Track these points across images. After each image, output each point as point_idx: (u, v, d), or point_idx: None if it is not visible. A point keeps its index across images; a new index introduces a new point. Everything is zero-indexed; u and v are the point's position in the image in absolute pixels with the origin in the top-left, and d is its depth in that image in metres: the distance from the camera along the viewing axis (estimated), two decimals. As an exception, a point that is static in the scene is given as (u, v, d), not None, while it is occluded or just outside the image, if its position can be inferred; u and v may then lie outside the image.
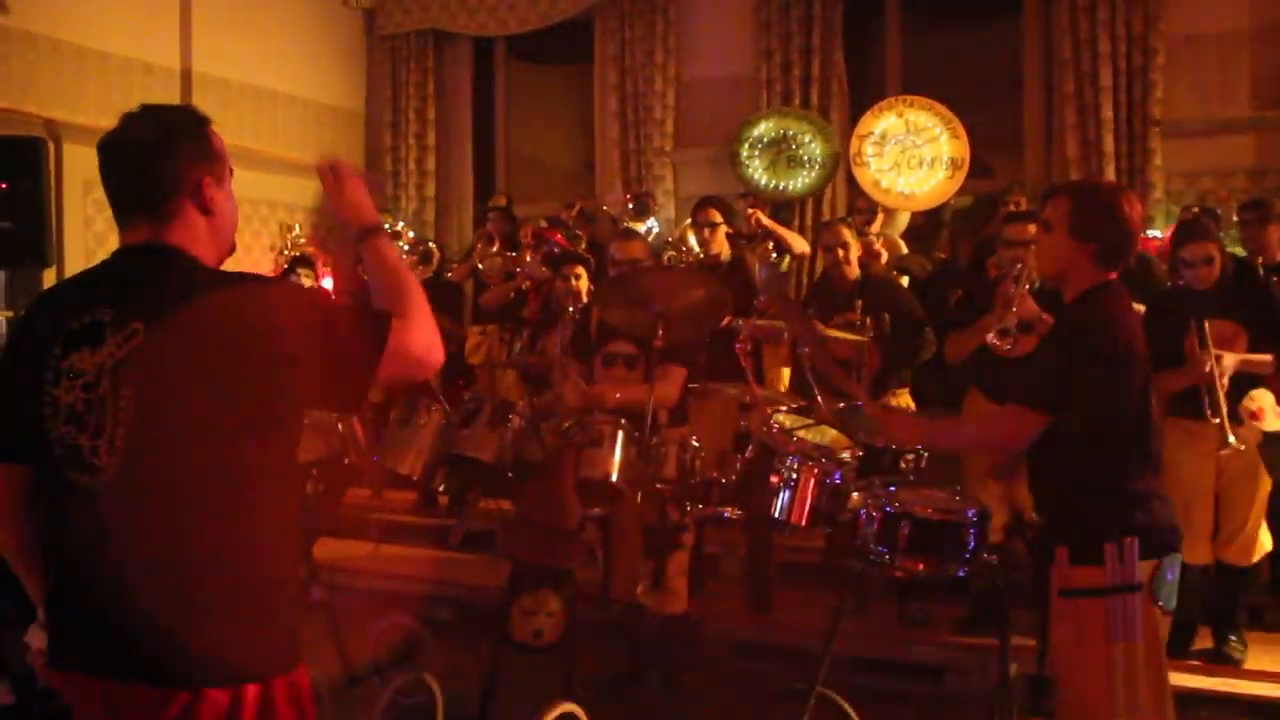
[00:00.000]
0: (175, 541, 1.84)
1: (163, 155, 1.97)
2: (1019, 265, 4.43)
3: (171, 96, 8.01)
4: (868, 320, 5.27)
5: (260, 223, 8.46)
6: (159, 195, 1.97)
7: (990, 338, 4.23)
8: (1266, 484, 4.65)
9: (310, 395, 1.94)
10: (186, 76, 8.13)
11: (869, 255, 6.06)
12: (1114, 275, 2.94)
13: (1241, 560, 4.71)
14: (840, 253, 5.48)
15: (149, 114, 2.02)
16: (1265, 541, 4.74)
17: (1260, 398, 4.46)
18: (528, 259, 6.98)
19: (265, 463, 1.90)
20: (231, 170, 2.09)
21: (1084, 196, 2.98)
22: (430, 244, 7.94)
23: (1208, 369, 4.32)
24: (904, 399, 5.49)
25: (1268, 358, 4.46)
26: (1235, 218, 6.08)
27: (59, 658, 1.95)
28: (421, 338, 1.98)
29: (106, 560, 1.85)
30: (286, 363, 1.85)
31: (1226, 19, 7.20)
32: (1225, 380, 4.37)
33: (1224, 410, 4.31)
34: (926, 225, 7.88)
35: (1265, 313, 4.59)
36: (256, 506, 1.90)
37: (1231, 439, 4.29)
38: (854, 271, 5.49)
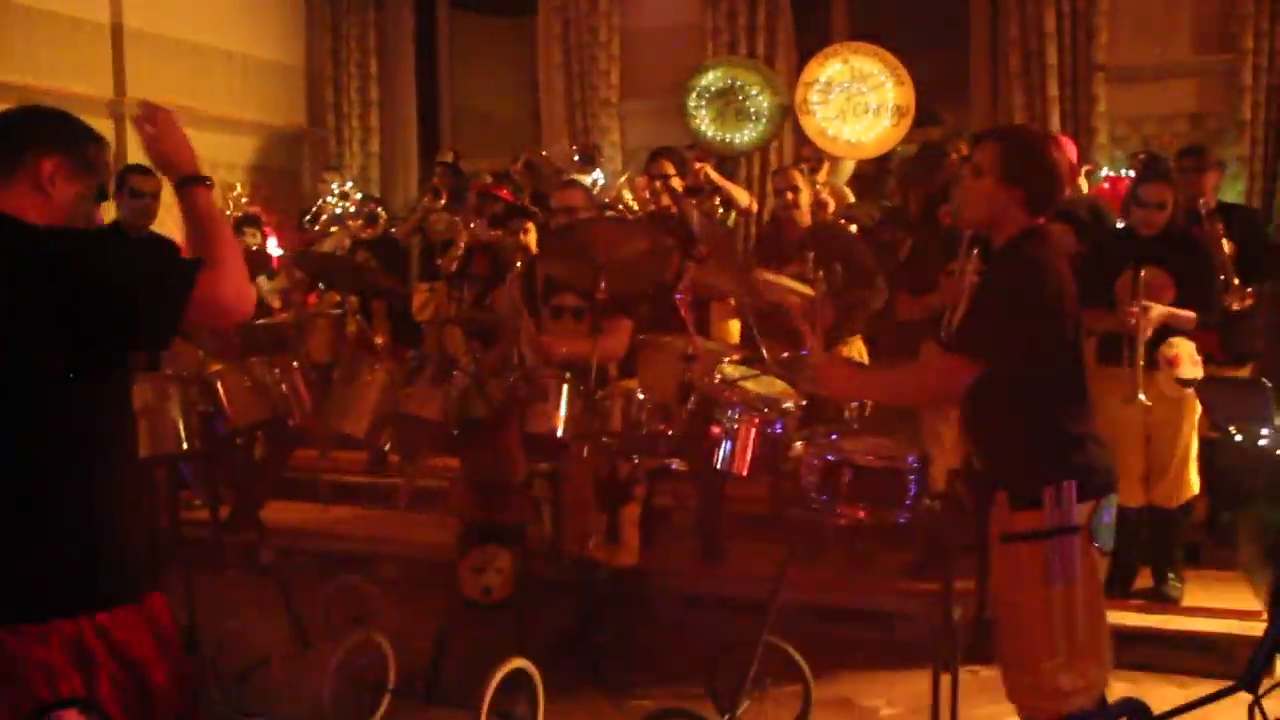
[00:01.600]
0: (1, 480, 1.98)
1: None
2: (967, 262, 4.39)
3: (101, 53, 7.78)
4: (819, 272, 5.27)
5: (199, 182, 8.26)
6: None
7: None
8: (1193, 427, 4.72)
9: (114, 335, 2.04)
10: (117, 32, 7.87)
11: (816, 205, 6.03)
12: (1041, 220, 2.94)
13: (1169, 502, 4.79)
14: (790, 196, 5.44)
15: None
16: (1193, 483, 4.82)
17: (1179, 344, 4.52)
18: (473, 226, 6.90)
19: (86, 399, 2.03)
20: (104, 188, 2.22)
21: (1012, 141, 2.96)
22: (377, 206, 7.81)
23: (1133, 320, 4.37)
24: (856, 347, 5.50)
25: (1190, 314, 4.52)
26: (1173, 164, 6.12)
27: None
28: (230, 285, 2.10)
29: None
30: (93, 304, 1.97)
31: (1168, -37, 7.22)
32: (1148, 332, 4.43)
33: (1140, 363, 4.38)
34: (873, 173, 7.87)
35: (1196, 267, 4.64)
36: (81, 443, 2.03)
37: (1141, 395, 4.37)
38: (805, 218, 5.46)
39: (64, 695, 1.92)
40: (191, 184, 2.19)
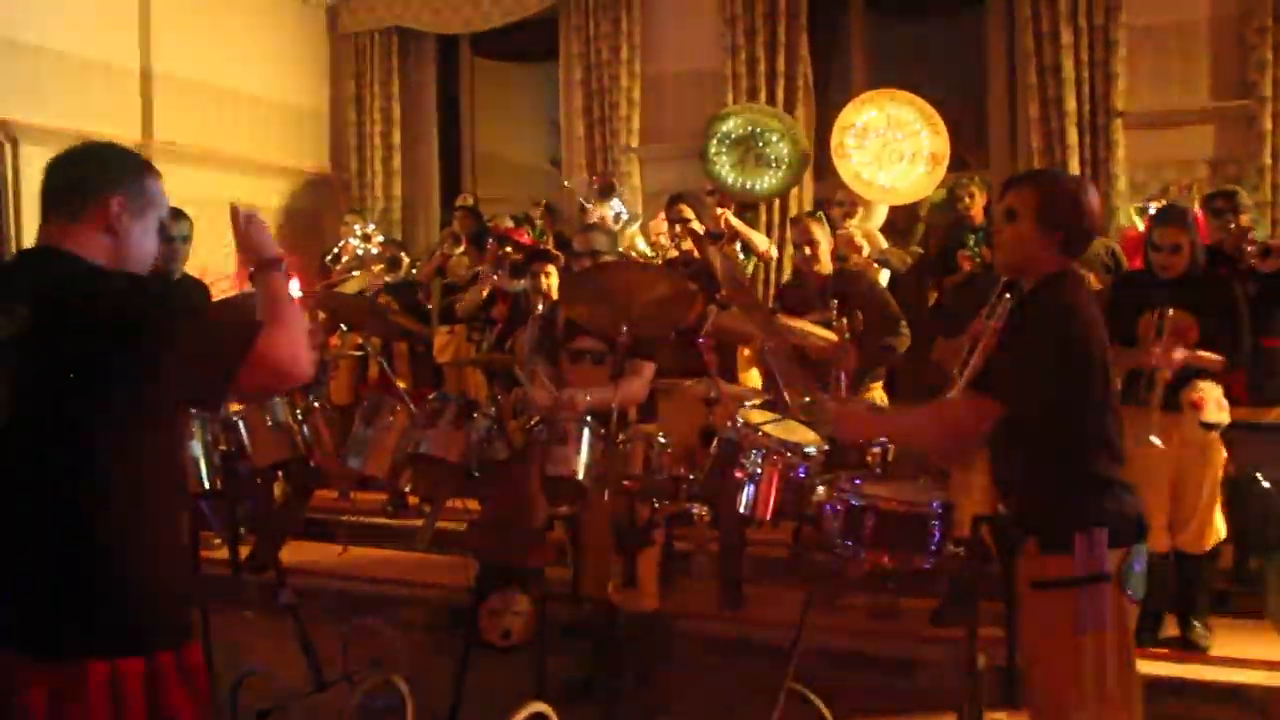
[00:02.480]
0: (48, 519, 1.98)
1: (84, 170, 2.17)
2: (999, 307, 4.42)
3: (131, 97, 7.91)
4: (843, 319, 5.27)
5: (225, 224, 8.33)
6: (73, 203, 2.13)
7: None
8: (1218, 471, 4.67)
9: (173, 387, 2.05)
10: (146, 76, 8.03)
11: (849, 247, 6.05)
12: (1075, 265, 2.94)
13: (1195, 548, 4.74)
14: (808, 250, 5.45)
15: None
16: (1220, 528, 4.77)
17: (1205, 389, 4.49)
18: (495, 278, 6.93)
19: (132, 446, 2.03)
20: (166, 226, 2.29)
21: (1049, 186, 2.97)
22: (399, 251, 7.87)
23: (1154, 361, 4.35)
24: (877, 393, 5.48)
25: (1218, 358, 4.49)
26: (1198, 208, 6.12)
27: None
28: (288, 348, 2.09)
29: None
30: (149, 354, 1.98)
31: (1185, 10, 7.25)
32: (1169, 374, 4.40)
33: (1158, 404, 4.35)
34: (903, 220, 7.89)
35: (1223, 309, 4.63)
36: (124, 485, 2.02)
37: (1154, 438, 4.34)
38: (826, 268, 5.47)
39: None
40: (269, 268, 2.25)
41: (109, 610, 1.99)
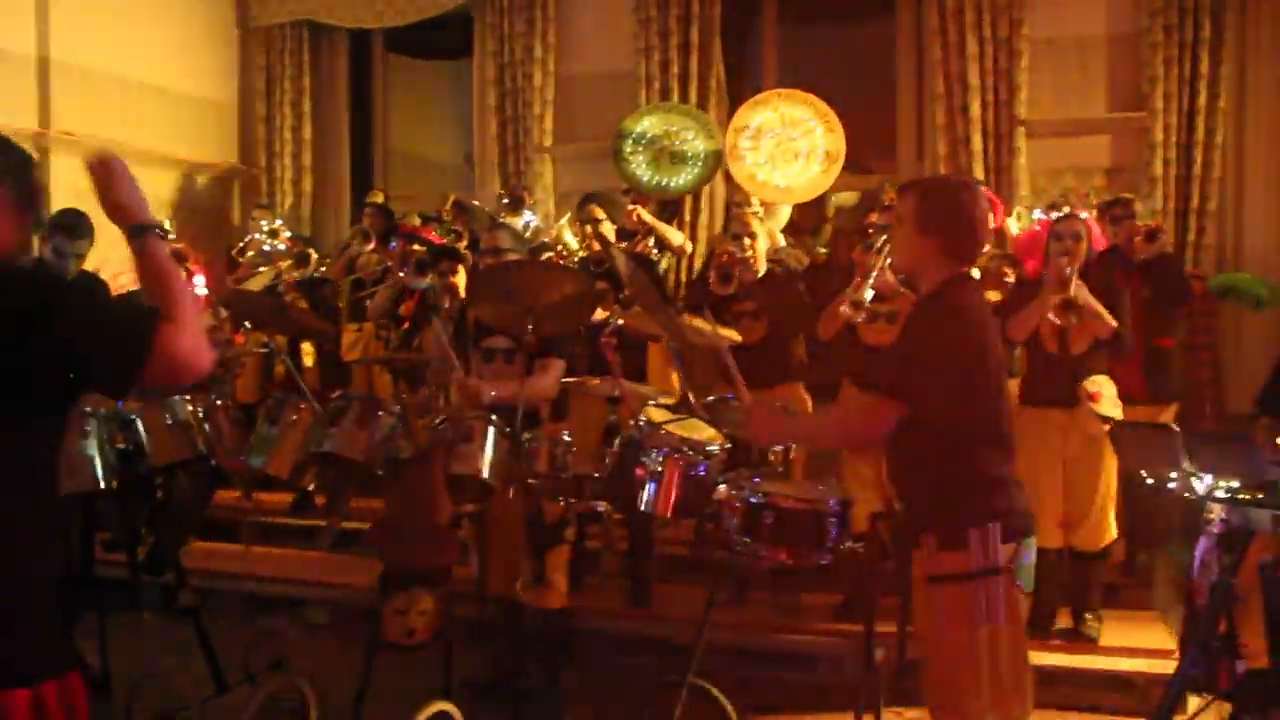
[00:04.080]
0: None
1: None
2: (882, 238, 4.54)
3: (27, 86, 7.67)
4: (761, 316, 5.32)
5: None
6: None
7: (843, 308, 4.32)
8: (1112, 472, 4.83)
9: (72, 389, 1.95)
10: (44, 65, 7.77)
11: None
12: (965, 269, 3.02)
13: (1089, 545, 4.90)
14: (747, 241, 5.51)
15: None
16: (1112, 528, 4.93)
17: (1102, 382, 4.66)
18: (401, 274, 6.88)
19: (23, 455, 1.93)
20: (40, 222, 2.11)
21: (929, 192, 3.04)
22: (308, 248, 7.74)
23: (1052, 280, 4.56)
24: (798, 392, 5.56)
25: (1111, 321, 4.65)
26: (1094, 214, 6.33)
27: None
28: (188, 341, 1.98)
29: None
30: (47, 358, 1.86)
31: (1085, 24, 7.49)
32: (1078, 293, 4.56)
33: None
34: (812, 220, 7.99)
35: (1117, 295, 4.81)
36: (9, 502, 1.91)
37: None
38: (759, 265, 5.53)
39: None
40: (144, 233, 2.07)
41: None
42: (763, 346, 5.35)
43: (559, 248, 6.79)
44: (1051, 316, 4.56)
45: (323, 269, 7.78)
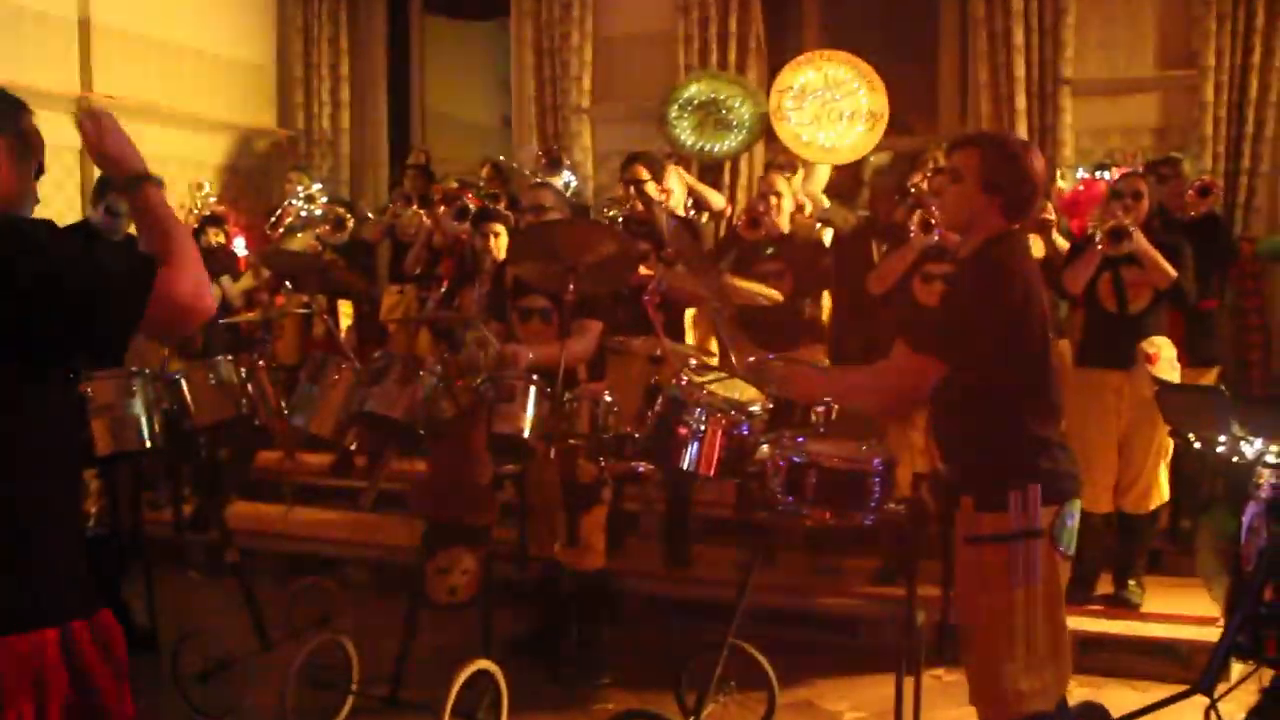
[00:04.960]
0: None
1: None
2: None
3: (69, 48, 7.70)
4: (785, 276, 5.31)
5: (168, 181, 8.11)
6: None
7: (914, 231, 4.41)
8: (1165, 434, 4.77)
9: (63, 342, 1.92)
10: (85, 26, 7.79)
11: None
12: (1016, 226, 2.97)
13: (1138, 508, 4.86)
14: (773, 200, 5.51)
15: None
16: (1163, 490, 4.88)
17: (1160, 344, 4.61)
18: (440, 213, 6.90)
19: (18, 405, 1.90)
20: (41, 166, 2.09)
21: (993, 148, 2.99)
22: (343, 211, 7.73)
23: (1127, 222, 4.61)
24: (819, 354, 5.53)
25: (1169, 269, 4.65)
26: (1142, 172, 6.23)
27: None
28: (188, 284, 1.96)
29: None
30: (43, 307, 1.83)
31: (1134, -21, 7.33)
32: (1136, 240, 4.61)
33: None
34: (848, 181, 7.91)
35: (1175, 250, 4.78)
36: (20, 452, 1.90)
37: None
38: (784, 224, 5.53)
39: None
40: (140, 182, 2.07)
41: (14, 582, 1.87)
42: (788, 306, 5.33)
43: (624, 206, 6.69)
44: (1100, 247, 4.56)
45: (363, 230, 7.78)
